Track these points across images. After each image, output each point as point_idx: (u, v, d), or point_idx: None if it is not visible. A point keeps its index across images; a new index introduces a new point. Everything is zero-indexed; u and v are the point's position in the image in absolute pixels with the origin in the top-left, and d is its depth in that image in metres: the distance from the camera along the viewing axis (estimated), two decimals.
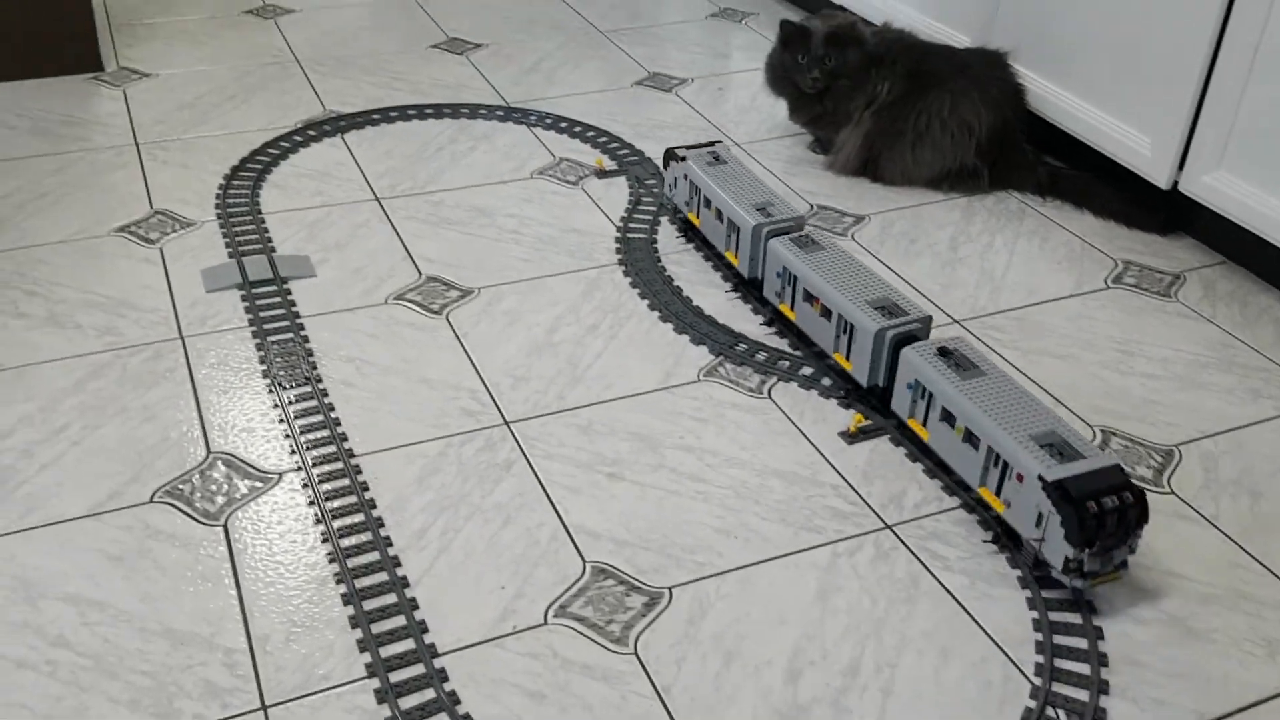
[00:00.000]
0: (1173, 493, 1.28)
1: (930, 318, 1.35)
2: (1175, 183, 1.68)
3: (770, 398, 1.41)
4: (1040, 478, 1.08)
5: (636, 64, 2.36)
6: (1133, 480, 1.13)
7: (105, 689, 1.00)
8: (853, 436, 1.34)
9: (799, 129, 2.05)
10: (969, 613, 1.12)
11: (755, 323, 1.55)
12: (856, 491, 1.27)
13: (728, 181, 1.62)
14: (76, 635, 1.05)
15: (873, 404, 1.38)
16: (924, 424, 1.27)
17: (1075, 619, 1.10)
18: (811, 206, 1.85)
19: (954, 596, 1.14)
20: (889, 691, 1.03)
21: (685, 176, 1.69)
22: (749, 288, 1.60)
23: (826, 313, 1.40)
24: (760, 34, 2.53)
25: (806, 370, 1.45)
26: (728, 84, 2.28)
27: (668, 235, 1.75)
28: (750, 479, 1.28)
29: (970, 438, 1.19)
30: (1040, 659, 1.06)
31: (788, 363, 1.47)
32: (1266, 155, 1.54)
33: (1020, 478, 1.12)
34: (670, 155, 1.73)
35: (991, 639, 1.09)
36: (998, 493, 1.17)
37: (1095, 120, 1.79)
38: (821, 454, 1.32)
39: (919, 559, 1.18)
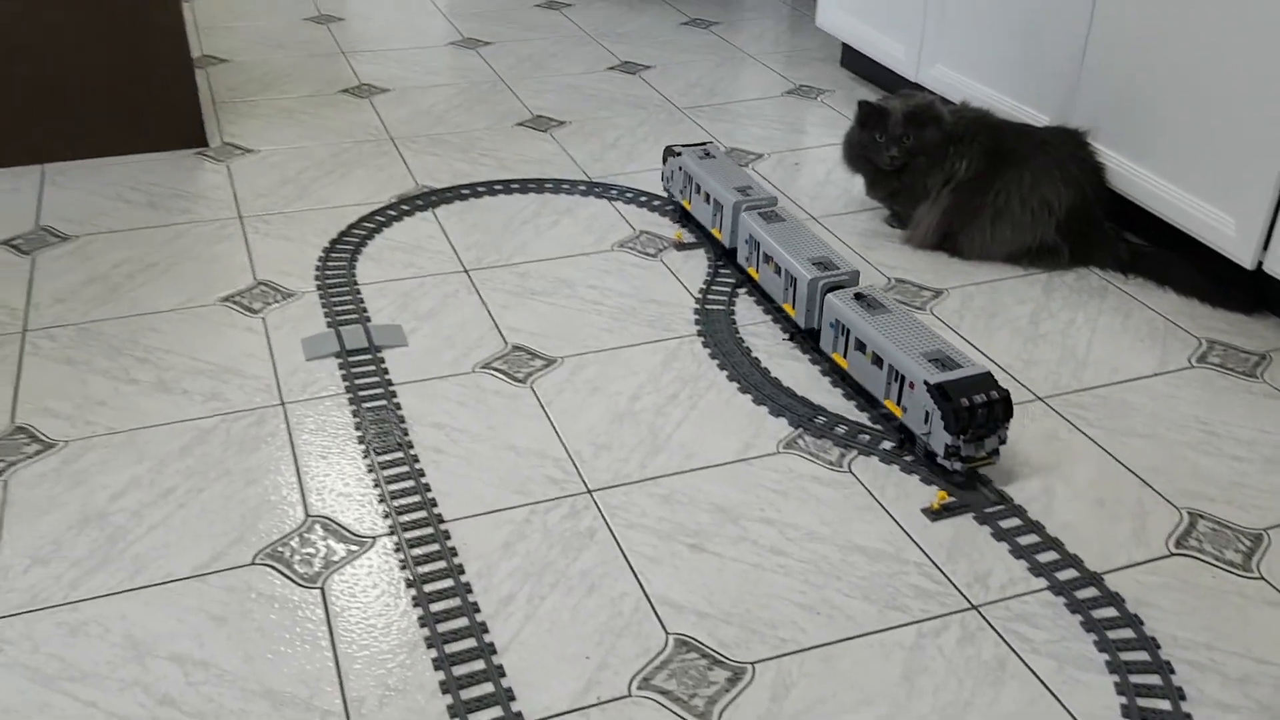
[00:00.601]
0: (1262, 578, 1.26)
1: (858, 272, 1.63)
2: (1260, 262, 1.67)
3: (851, 471, 1.42)
4: (925, 382, 1.37)
5: (714, 140, 2.41)
6: (999, 384, 1.37)
7: None
8: (936, 513, 1.35)
9: (875, 204, 2.08)
10: (1057, 697, 1.11)
11: (835, 395, 1.57)
12: (941, 570, 1.27)
13: (716, 171, 1.93)
14: (182, 694, 1.09)
15: (811, 343, 1.69)
16: (844, 355, 1.56)
17: (1165, 705, 1.08)
18: (889, 280, 1.87)
19: (1041, 680, 1.13)
20: None
21: (680, 169, 2.00)
22: (727, 257, 1.91)
23: (779, 269, 1.70)
24: (835, 110, 2.58)
25: (887, 445, 1.46)
26: (803, 159, 2.33)
27: (746, 306, 1.78)
28: (832, 554, 1.29)
29: (876, 360, 1.47)
30: None
31: (868, 436, 1.48)
32: None
33: (912, 386, 1.40)
34: (668, 152, 2.04)
35: None
36: (898, 402, 1.44)
37: (1177, 199, 1.79)
38: (904, 530, 1.33)
39: (1006, 641, 1.17)
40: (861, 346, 1.49)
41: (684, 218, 2.05)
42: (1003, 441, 1.38)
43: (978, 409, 1.33)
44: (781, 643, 1.17)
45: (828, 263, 1.64)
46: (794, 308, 1.67)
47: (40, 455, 1.41)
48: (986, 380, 1.36)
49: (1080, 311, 1.78)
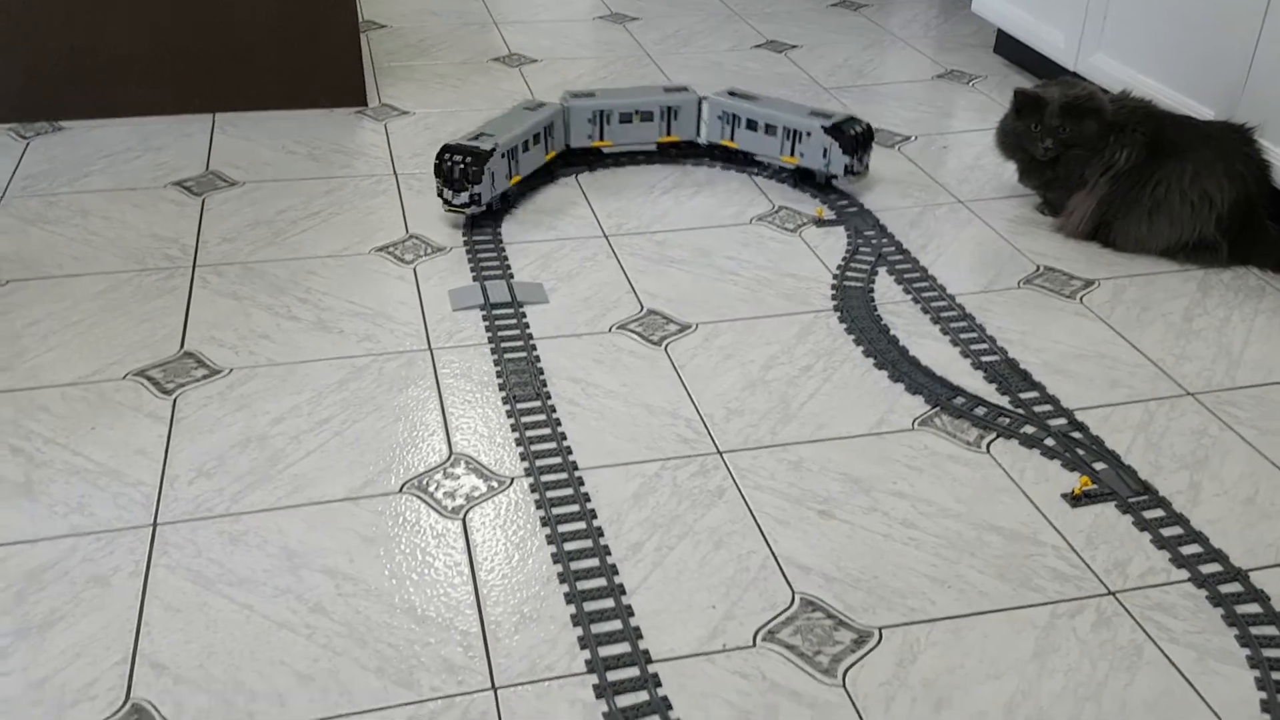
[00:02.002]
0: None
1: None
2: None
3: (989, 453, 1.41)
4: (822, 127, 2.00)
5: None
6: (866, 121, 1.99)
7: (355, 655, 1.10)
8: (1076, 499, 1.32)
9: (1025, 191, 2.03)
10: (1194, 687, 1.08)
11: (976, 377, 1.55)
12: (1079, 555, 1.24)
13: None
14: (333, 604, 1.16)
15: (716, 154, 2.18)
16: (732, 138, 2.11)
17: None
18: (1038, 267, 1.83)
19: (1178, 669, 1.10)
20: None
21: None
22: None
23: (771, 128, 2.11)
24: (987, 96, 2.53)
25: (1029, 429, 1.44)
26: (952, 143, 2.29)
27: (885, 284, 1.77)
28: (966, 531, 1.28)
29: (769, 129, 2.06)
30: None
31: (1008, 419, 1.46)
32: None
33: (809, 134, 2.02)
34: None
35: (1217, 715, 1.05)
36: (792, 153, 2.05)
37: None
38: (1043, 514, 1.31)
39: (1143, 628, 1.15)
40: (752, 125, 2.06)
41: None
42: (866, 167, 2.05)
43: (859, 136, 1.99)
44: (910, 611, 1.17)
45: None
46: (696, 131, 2.15)
47: (207, 380, 1.51)
48: (856, 120, 2.02)
49: (1236, 310, 1.71)
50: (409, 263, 1.81)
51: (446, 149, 1.86)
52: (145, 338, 1.59)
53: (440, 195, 1.89)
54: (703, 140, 2.18)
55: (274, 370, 1.53)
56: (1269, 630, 1.13)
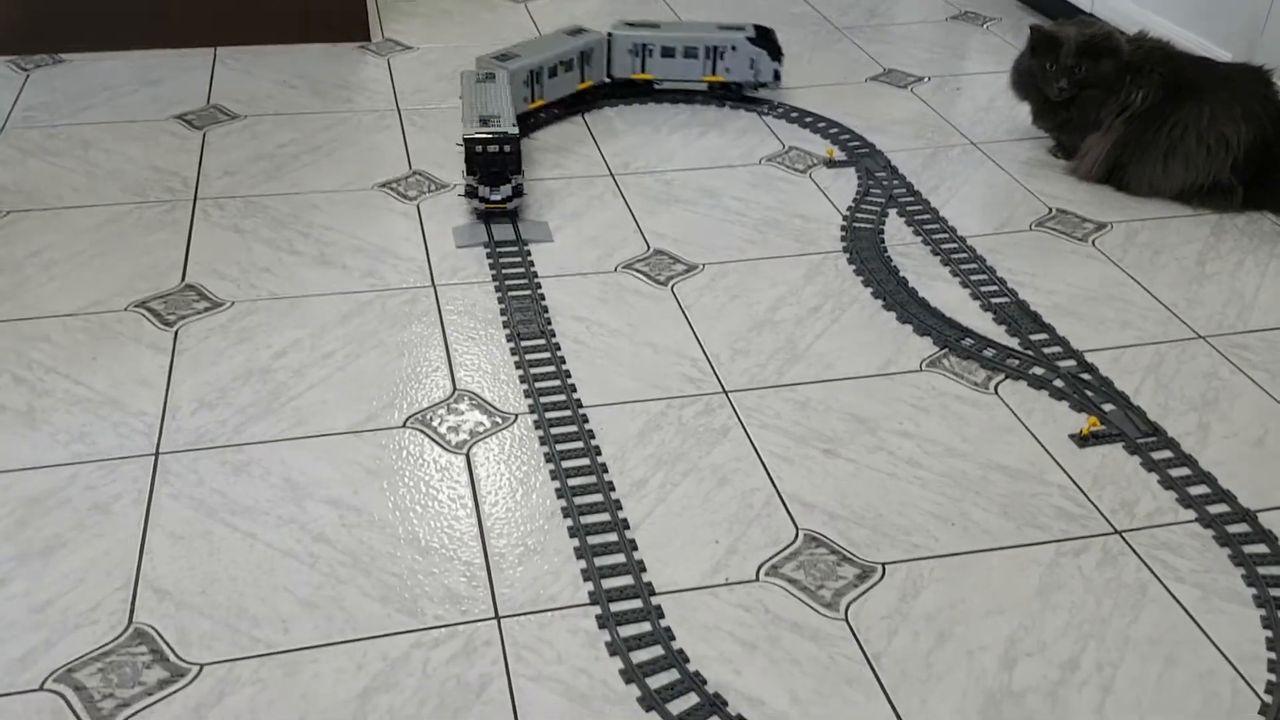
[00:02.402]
0: None
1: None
2: None
3: (996, 393, 1.39)
4: (747, 39, 2.05)
5: (872, 60, 2.36)
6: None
7: (359, 583, 1.10)
8: (1084, 440, 1.31)
9: (1039, 133, 2.00)
10: (1199, 624, 1.08)
11: (986, 319, 1.53)
12: (1085, 494, 1.24)
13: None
14: (336, 534, 1.15)
15: (628, 91, 2.14)
16: (644, 69, 2.07)
17: None
18: (1050, 209, 1.81)
19: (1184, 607, 1.10)
20: (1108, 690, 1.01)
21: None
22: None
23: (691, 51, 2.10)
24: (1001, 38, 2.48)
25: (1038, 370, 1.43)
26: (966, 85, 2.25)
27: (895, 226, 1.75)
28: (971, 470, 1.27)
29: (689, 53, 2.06)
30: (1272, 677, 1.02)
31: (1017, 360, 1.44)
32: None
33: (734, 48, 2.07)
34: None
35: (1221, 652, 1.05)
36: (715, 71, 2.08)
37: None
38: (1049, 454, 1.30)
39: (1149, 567, 1.14)
40: (669, 51, 2.06)
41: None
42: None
43: (777, 42, 2.09)
44: (913, 548, 1.17)
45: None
46: (607, 72, 2.09)
47: (209, 312, 1.49)
48: (764, 26, 2.10)
49: (1250, 255, 1.69)
50: (412, 199, 1.79)
51: (476, 141, 1.67)
52: (146, 270, 1.58)
53: (473, 195, 1.70)
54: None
55: (276, 304, 1.52)
56: (1276, 570, 1.13)
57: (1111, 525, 1.20)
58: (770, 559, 1.15)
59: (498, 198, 1.69)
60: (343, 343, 1.45)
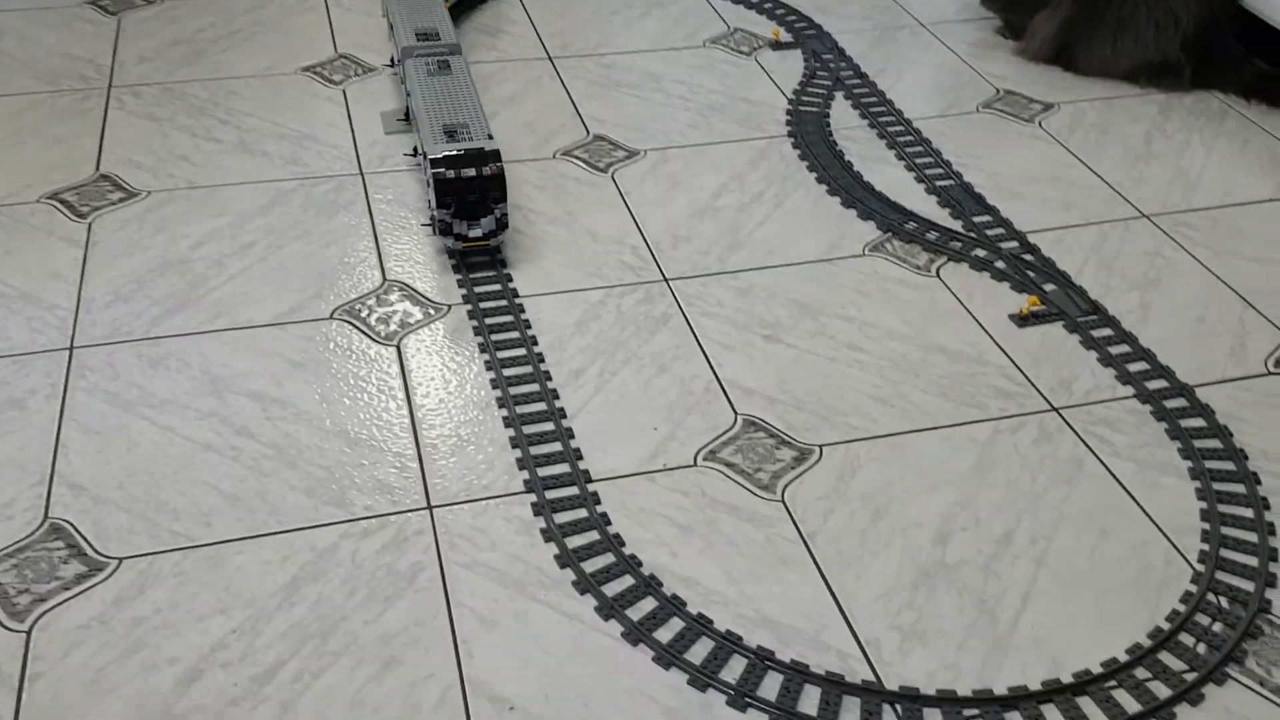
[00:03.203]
0: None
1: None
2: None
3: (939, 276, 1.37)
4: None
5: None
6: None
7: (285, 476, 1.07)
8: (1024, 320, 1.30)
9: (988, 14, 1.95)
10: (1134, 498, 1.08)
11: (930, 202, 1.50)
12: (1024, 373, 1.23)
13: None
14: (260, 427, 1.12)
15: None
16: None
17: (1247, 513, 1.05)
18: (997, 91, 1.77)
19: (1119, 481, 1.10)
20: (1041, 562, 1.01)
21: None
22: None
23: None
24: None
25: (980, 252, 1.41)
26: None
27: (841, 109, 1.70)
28: (912, 353, 1.26)
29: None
30: (1205, 547, 1.02)
31: (960, 243, 1.42)
32: None
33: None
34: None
35: (1155, 524, 1.05)
36: None
37: None
38: (989, 335, 1.28)
39: (1085, 443, 1.14)
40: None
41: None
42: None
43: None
44: (851, 429, 1.16)
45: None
46: None
47: (124, 203, 1.42)
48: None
49: (1197, 134, 1.67)
50: (338, 84, 1.71)
51: (447, 163, 1.29)
52: (59, 160, 1.50)
53: (447, 232, 1.32)
54: None
55: (194, 194, 1.45)
56: (1212, 444, 1.13)
57: (1049, 403, 1.19)
58: (708, 444, 1.14)
59: (478, 233, 1.32)
60: (264, 233, 1.39)
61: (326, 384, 1.17)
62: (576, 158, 1.58)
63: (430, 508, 1.04)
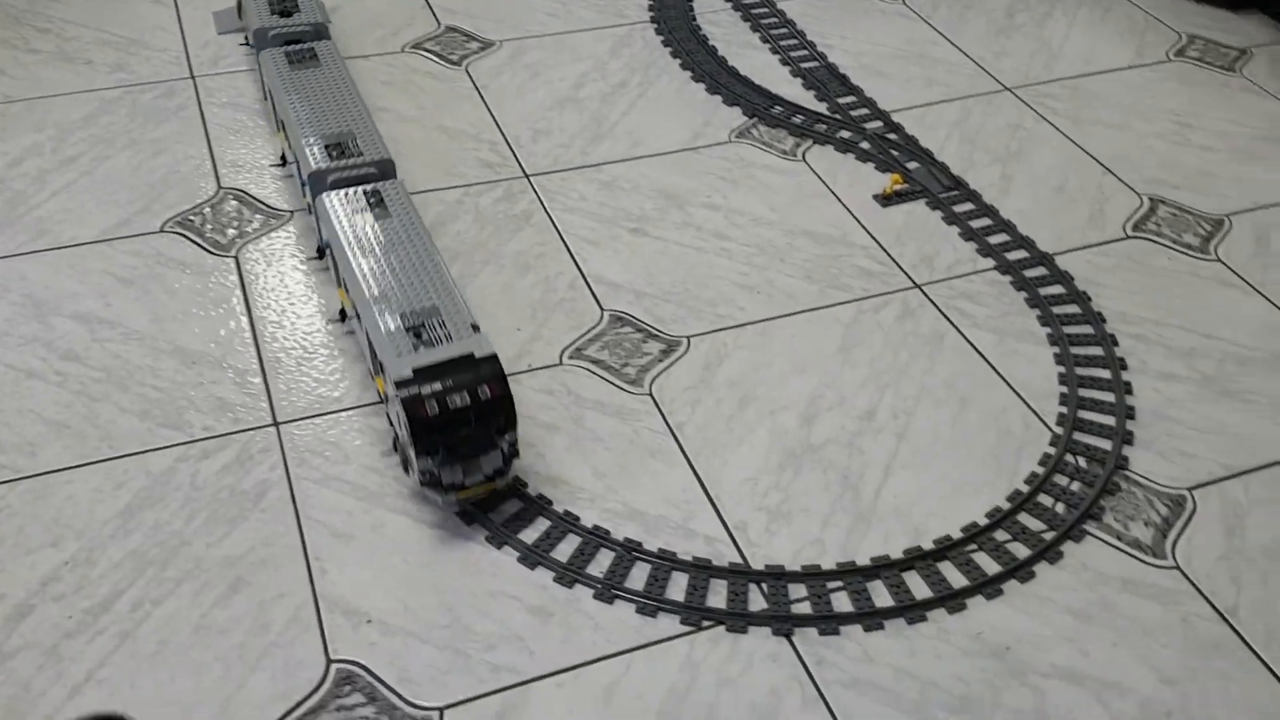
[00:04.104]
0: (1219, 260, 1.22)
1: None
2: None
3: (804, 160, 1.35)
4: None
5: None
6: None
7: (115, 399, 1.00)
8: (888, 199, 1.29)
9: None
10: (993, 366, 1.08)
11: (795, 85, 1.47)
12: (887, 252, 1.22)
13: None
14: (87, 350, 1.04)
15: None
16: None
17: (1104, 374, 1.06)
18: None
19: (979, 351, 1.10)
20: (903, 436, 1.01)
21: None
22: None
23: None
24: None
25: (845, 134, 1.38)
26: None
27: None
28: (777, 238, 1.23)
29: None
30: (1064, 410, 1.03)
31: (825, 126, 1.39)
32: None
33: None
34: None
35: (1015, 391, 1.06)
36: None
37: None
38: (854, 216, 1.27)
39: (946, 316, 1.14)
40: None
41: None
42: None
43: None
44: (719, 319, 1.13)
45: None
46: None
47: None
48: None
49: (1059, 4, 1.66)
50: None
51: (425, 379, 0.88)
52: None
53: (433, 483, 0.90)
54: None
55: (10, 108, 1.33)
56: (1071, 309, 1.14)
57: (912, 280, 1.18)
58: (574, 342, 1.10)
59: (480, 478, 0.91)
60: (89, 145, 1.28)
61: (159, 301, 1.10)
62: (428, 51, 1.49)
63: (276, 424, 0.99)
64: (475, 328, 0.92)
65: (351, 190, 1.04)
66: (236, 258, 1.16)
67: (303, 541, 0.90)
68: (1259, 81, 1.51)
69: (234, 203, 1.23)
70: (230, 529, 0.91)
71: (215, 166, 1.27)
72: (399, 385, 0.87)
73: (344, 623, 0.85)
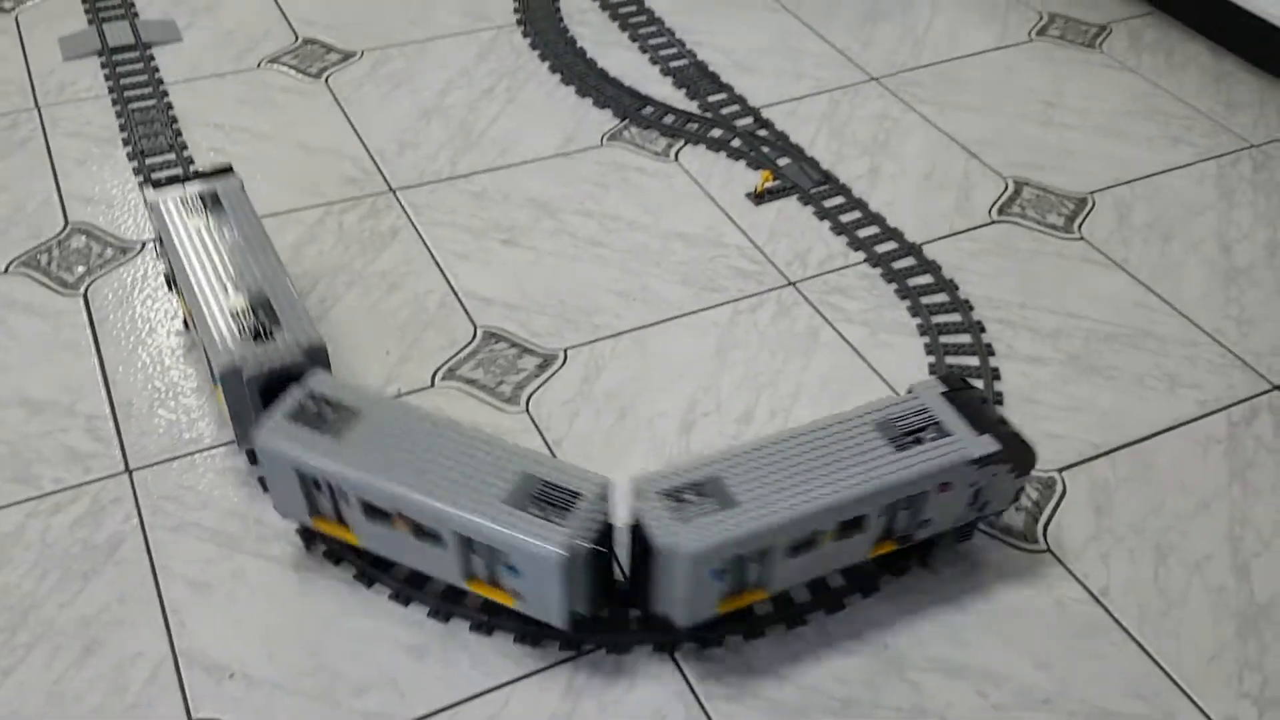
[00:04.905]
0: (1082, 238, 1.24)
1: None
2: None
3: (677, 160, 1.33)
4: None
5: None
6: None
7: None
8: (759, 197, 1.28)
9: None
10: (866, 360, 1.09)
11: (665, 84, 1.45)
12: (761, 251, 1.21)
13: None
14: None
15: None
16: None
17: (973, 361, 1.07)
18: None
19: (852, 346, 1.10)
20: None
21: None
22: None
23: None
24: None
25: (716, 132, 1.37)
26: None
27: None
28: (652, 242, 1.22)
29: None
30: None
31: (696, 125, 1.38)
32: None
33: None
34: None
35: (887, 383, 1.06)
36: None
37: None
38: (727, 215, 1.26)
39: (820, 313, 1.14)
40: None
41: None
42: None
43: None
44: (595, 329, 1.12)
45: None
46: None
47: None
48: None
49: None
50: (9, 10, 1.51)
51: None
52: None
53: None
54: None
55: None
56: (939, 298, 1.15)
57: (786, 277, 1.18)
58: (447, 362, 1.07)
59: None
60: None
61: (4, 348, 1.04)
62: (285, 65, 1.45)
63: (129, 470, 0.95)
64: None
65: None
66: (85, 296, 1.10)
67: (159, 595, 0.86)
68: (1118, 57, 1.54)
69: (82, 237, 1.17)
70: (83, 586, 0.86)
71: (62, 200, 1.21)
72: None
73: (205, 679, 0.81)
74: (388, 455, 0.79)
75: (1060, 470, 0.98)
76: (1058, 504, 0.95)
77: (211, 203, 0.98)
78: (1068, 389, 1.06)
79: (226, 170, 1.02)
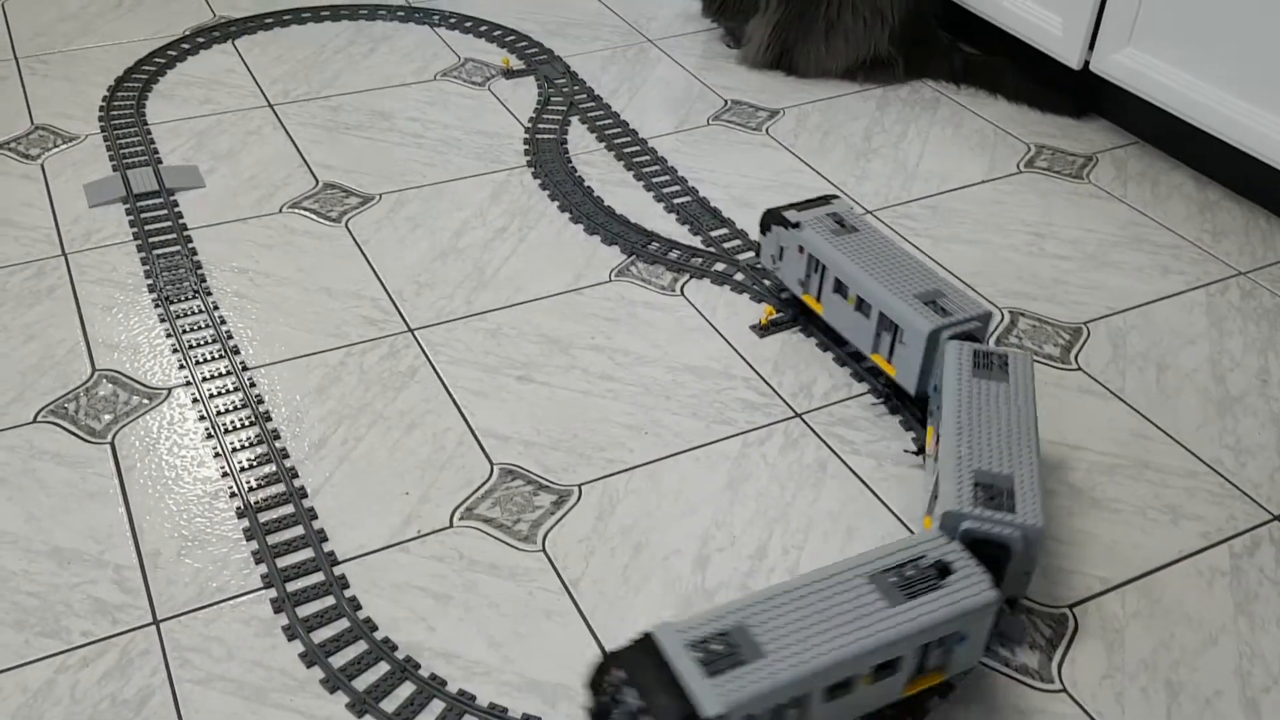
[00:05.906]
0: (1080, 369, 1.28)
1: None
2: (1087, 62, 1.66)
3: (683, 294, 1.38)
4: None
5: None
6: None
7: None
8: (764, 329, 1.32)
9: (712, 24, 1.99)
10: (874, 493, 1.11)
11: (670, 220, 1.51)
12: (767, 382, 1.25)
13: (866, 258, 1.22)
14: None
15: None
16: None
17: None
18: (725, 102, 1.80)
19: (860, 478, 1.13)
20: (795, 571, 1.03)
21: (801, 249, 1.27)
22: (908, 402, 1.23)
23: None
24: None
25: (720, 266, 1.42)
26: None
27: (578, 134, 1.70)
28: (662, 376, 1.26)
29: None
30: None
31: (701, 259, 1.44)
32: (1174, 30, 1.52)
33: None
34: (772, 218, 1.30)
35: (896, 516, 1.09)
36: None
37: (1007, 1, 1.76)
38: (733, 347, 1.30)
39: (827, 444, 1.17)
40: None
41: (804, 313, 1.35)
42: None
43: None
44: (608, 463, 1.14)
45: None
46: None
47: None
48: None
49: (913, 124, 1.75)
50: (35, 158, 1.57)
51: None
52: None
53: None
54: None
55: None
56: None
57: (792, 409, 1.21)
58: (465, 501, 1.10)
59: None
60: None
61: (33, 498, 1.07)
62: (306, 209, 1.51)
63: (156, 622, 0.96)
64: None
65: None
66: (112, 444, 1.14)
67: None
68: (1105, 186, 1.61)
69: (109, 385, 1.20)
70: None
71: (89, 347, 1.25)
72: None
73: None
74: None
75: (1071, 606, 1.00)
76: (1070, 641, 0.97)
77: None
78: (1073, 523, 1.08)
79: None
